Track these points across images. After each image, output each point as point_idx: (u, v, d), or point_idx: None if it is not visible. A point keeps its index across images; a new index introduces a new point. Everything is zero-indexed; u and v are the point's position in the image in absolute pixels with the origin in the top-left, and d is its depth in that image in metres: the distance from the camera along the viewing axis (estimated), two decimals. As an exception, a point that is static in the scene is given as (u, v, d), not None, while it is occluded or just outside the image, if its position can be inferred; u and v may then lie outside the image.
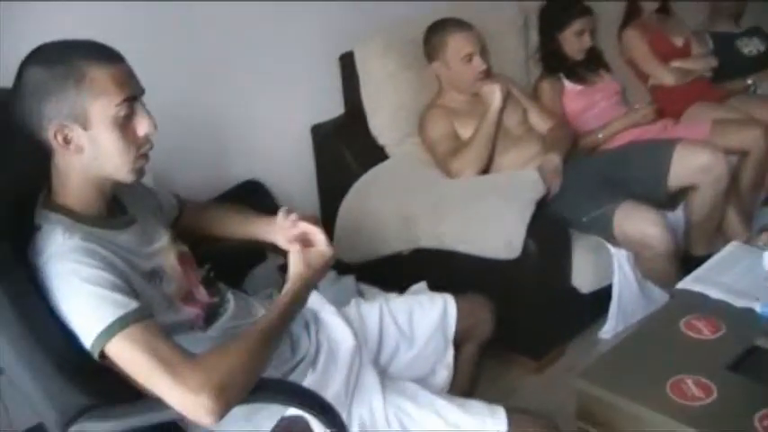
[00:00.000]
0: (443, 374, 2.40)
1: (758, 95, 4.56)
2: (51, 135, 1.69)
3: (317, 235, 1.98)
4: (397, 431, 1.99)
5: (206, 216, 2.31)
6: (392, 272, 3.19)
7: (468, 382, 2.56)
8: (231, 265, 2.39)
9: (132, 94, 1.74)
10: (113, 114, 1.70)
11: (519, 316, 3.15)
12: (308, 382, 2.03)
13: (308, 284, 1.92)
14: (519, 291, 3.10)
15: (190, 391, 1.58)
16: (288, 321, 1.87)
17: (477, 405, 2.06)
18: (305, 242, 1.97)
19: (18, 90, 1.69)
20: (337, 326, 2.21)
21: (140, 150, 1.78)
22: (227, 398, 1.60)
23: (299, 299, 1.89)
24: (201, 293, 1.99)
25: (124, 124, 1.73)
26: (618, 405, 2.15)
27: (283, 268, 2.01)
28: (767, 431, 1.94)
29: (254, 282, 2.68)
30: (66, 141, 1.71)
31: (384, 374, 2.23)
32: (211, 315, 1.98)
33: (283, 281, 1.96)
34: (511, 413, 2.02)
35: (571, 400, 2.29)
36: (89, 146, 1.72)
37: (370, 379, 2.10)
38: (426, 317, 2.40)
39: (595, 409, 2.22)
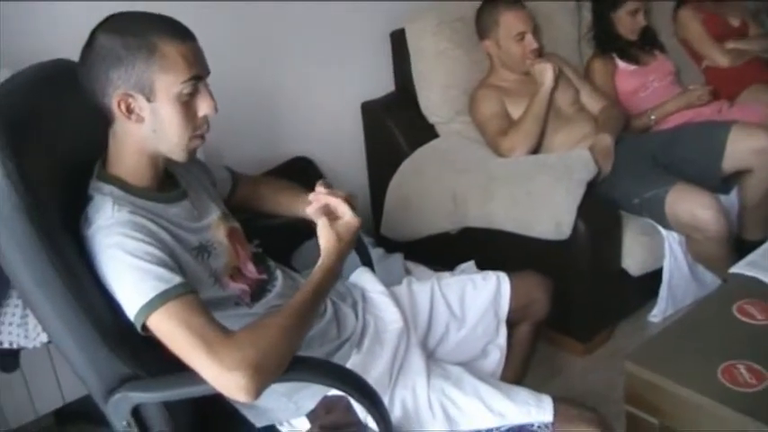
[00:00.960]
0: (495, 355, 2.38)
1: (816, 78, 4.49)
2: (115, 103, 1.71)
3: (341, 206, 1.95)
4: (440, 416, 1.98)
5: (259, 191, 2.32)
6: (440, 251, 3.18)
7: (522, 364, 2.54)
8: (280, 240, 2.39)
9: (199, 74, 1.75)
10: (178, 91, 1.71)
11: (567, 298, 3.13)
12: (353, 362, 2.03)
13: (340, 256, 1.89)
14: (568, 272, 3.08)
15: (224, 368, 1.58)
16: (323, 296, 1.86)
17: (523, 393, 2.04)
18: (331, 215, 1.95)
19: (88, 55, 1.71)
20: (386, 306, 2.20)
21: (197, 131, 1.80)
22: (262, 376, 1.60)
23: (332, 272, 1.87)
24: (250, 270, 2.00)
25: (187, 102, 1.75)
26: (667, 389, 2.12)
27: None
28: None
29: (302, 258, 2.68)
30: (129, 110, 1.72)
31: (431, 357, 2.22)
32: (259, 292, 1.98)
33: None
34: (558, 404, 2.00)
35: (618, 383, 2.27)
36: (150, 117, 1.73)
37: (417, 362, 2.08)
38: (479, 296, 2.37)
39: (644, 392, 2.20)
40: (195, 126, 1.79)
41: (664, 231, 3.21)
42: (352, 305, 2.20)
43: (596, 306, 3.21)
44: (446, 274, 2.46)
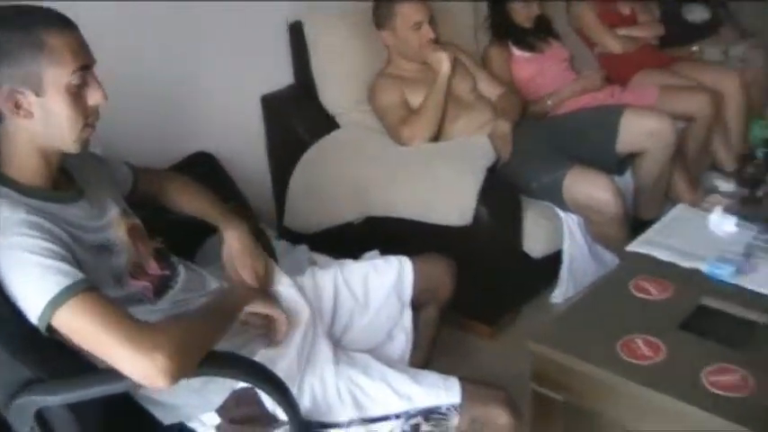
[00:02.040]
0: (401, 339, 2.40)
1: (704, 62, 4.63)
2: (2, 99, 1.68)
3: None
4: (349, 403, 1.99)
5: (163, 187, 2.29)
6: (344, 241, 3.18)
7: (429, 346, 2.57)
8: (185, 236, 2.37)
9: (86, 63, 1.74)
10: (67, 82, 1.69)
11: (472, 282, 3.16)
12: (261, 354, 2.02)
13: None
14: (471, 257, 3.11)
15: (143, 352, 1.57)
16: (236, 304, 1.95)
17: (430, 376, 2.07)
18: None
19: None
20: (293, 298, 2.20)
21: (87, 120, 1.78)
22: (182, 360, 1.60)
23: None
24: (152, 266, 1.98)
25: (76, 93, 1.73)
26: (571, 366, 2.18)
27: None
28: (714, 386, 1.98)
29: (206, 253, 2.66)
30: (17, 106, 1.69)
31: (338, 345, 2.23)
32: (162, 288, 1.96)
33: None
34: (465, 384, 2.03)
35: (526, 363, 2.31)
36: (39, 112, 1.71)
37: (324, 350, 2.09)
38: (381, 281, 2.39)
39: (549, 370, 2.25)
40: (86, 116, 1.76)
41: (562, 214, 3.28)
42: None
43: (501, 289, 3.26)
44: (349, 262, 2.47)
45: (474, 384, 2.06)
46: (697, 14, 4.82)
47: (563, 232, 3.29)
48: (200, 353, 1.68)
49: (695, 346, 2.18)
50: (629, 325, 2.25)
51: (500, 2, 4.00)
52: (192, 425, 1.96)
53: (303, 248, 2.77)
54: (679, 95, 3.96)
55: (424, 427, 1.96)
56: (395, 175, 3.17)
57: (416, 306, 2.46)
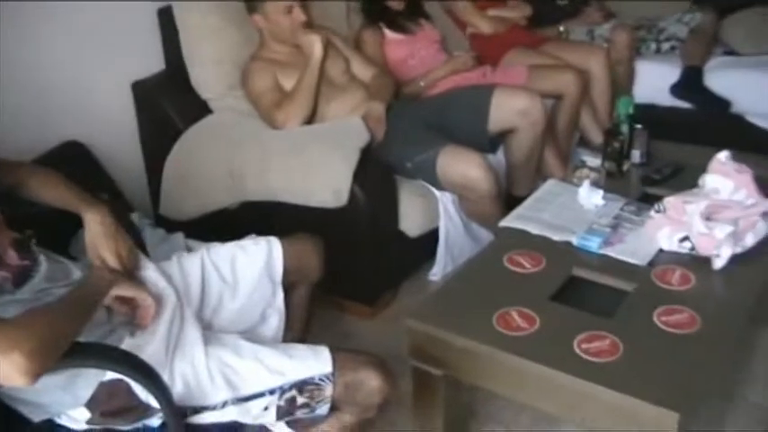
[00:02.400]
0: (275, 319, 2.39)
1: (570, 41, 4.74)
2: None
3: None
4: (221, 384, 1.97)
5: (24, 181, 2.22)
6: (221, 227, 3.14)
7: (302, 325, 2.58)
8: (57, 227, 2.32)
9: None
10: None
11: (350, 263, 3.20)
12: (127, 343, 1.97)
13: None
14: (348, 238, 3.14)
15: (0, 352, 1.53)
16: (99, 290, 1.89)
17: (300, 348, 2.08)
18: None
19: None
20: (157, 283, 2.15)
21: None
22: (40, 357, 1.56)
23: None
24: (11, 256, 1.92)
25: None
26: (448, 340, 2.22)
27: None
28: (586, 353, 2.05)
29: (79, 244, 2.61)
30: None
31: (209, 328, 2.21)
32: (21, 278, 1.91)
33: None
34: (335, 352, 2.04)
35: (404, 341, 2.34)
36: None
37: (192, 334, 2.06)
38: (250, 262, 2.38)
39: (427, 346, 2.29)
40: None
41: (437, 192, 3.32)
42: None
43: (378, 269, 3.28)
44: (216, 244, 2.44)
45: (344, 352, 2.08)
46: (564, -5, 4.93)
47: (438, 211, 3.33)
48: (62, 347, 1.65)
49: (567, 315, 2.24)
50: (503, 298, 2.31)
51: (370, -17, 4.02)
52: (60, 421, 1.93)
53: (179, 236, 2.74)
54: (547, 74, 4.05)
55: (300, 399, 1.97)
56: (269, 158, 3.15)
57: (288, 287, 2.45)
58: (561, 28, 4.82)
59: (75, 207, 2.12)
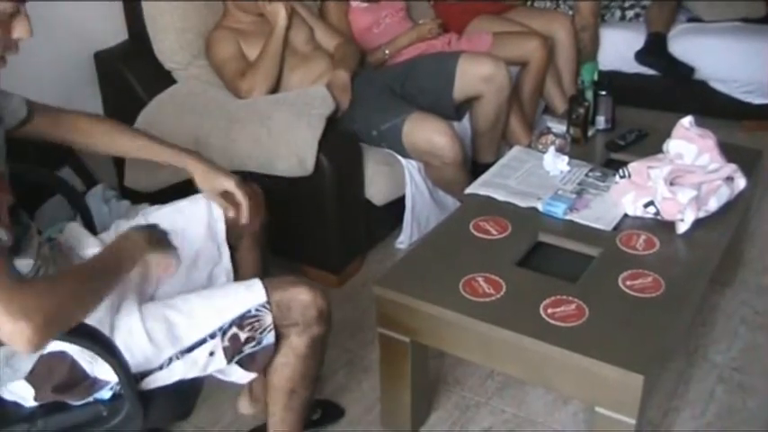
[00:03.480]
0: (222, 280, 2.34)
1: (535, 8, 4.75)
2: None
3: None
4: (163, 342, 1.92)
5: (81, 127, 2.26)
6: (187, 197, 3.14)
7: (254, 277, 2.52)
8: (23, 197, 2.29)
9: None
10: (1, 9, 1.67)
11: (316, 231, 3.20)
12: None
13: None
14: (314, 207, 3.14)
15: (9, 316, 1.49)
16: (125, 260, 1.85)
17: (231, 286, 2.09)
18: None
19: None
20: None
21: (5, 52, 1.76)
22: (48, 332, 1.54)
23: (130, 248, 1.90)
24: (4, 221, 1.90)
25: (4, 22, 1.71)
26: (415, 307, 2.23)
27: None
28: (551, 317, 2.07)
29: (45, 216, 2.60)
30: None
31: (153, 299, 2.15)
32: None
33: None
34: (267, 281, 2.02)
35: (372, 309, 2.36)
36: None
37: (129, 304, 1.99)
38: (192, 224, 2.30)
39: (394, 313, 2.30)
40: (6, 47, 1.74)
41: (403, 161, 3.32)
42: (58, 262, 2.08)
43: (345, 237, 3.28)
44: (153, 208, 2.38)
45: (272, 278, 2.06)
46: (529, -37, 4.92)
47: (404, 179, 3.34)
48: (74, 321, 1.63)
49: (533, 281, 2.26)
50: (470, 265, 2.32)
51: (334, -48, 3.98)
52: (10, 398, 1.89)
53: (144, 207, 2.72)
54: (512, 41, 4.05)
55: (242, 334, 1.95)
56: (234, 128, 3.13)
57: (233, 243, 2.39)
58: (526, -6, 4.82)
59: (169, 157, 2.26)
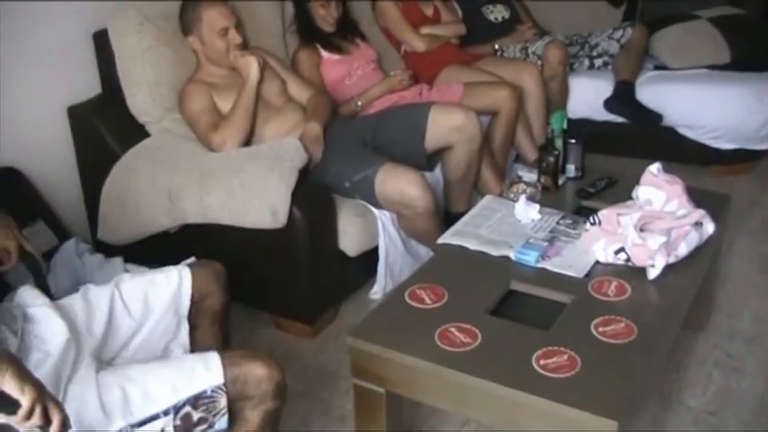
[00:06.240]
0: (179, 353, 2.32)
1: (504, 58, 4.80)
2: None
3: None
4: (116, 415, 1.91)
5: None
6: (161, 250, 3.13)
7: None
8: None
9: None
10: None
11: (290, 282, 3.20)
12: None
13: None
14: (288, 258, 3.14)
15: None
16: None
17: (190, 359, 2.07)
18: None
19: None
20: (48, 321, 2.07)
21: None
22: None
23: None
24: None
25: None
26: (390, 358, 2.24)
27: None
28: (543, 369, 2.08)
29: (20, 272, 2.58)
30: None
31: (112, 364, 2.15)
32: None
33: None
34: (223, 356, 2.02)
35: (346, 360, 2.36)
36: None
37: (86, 371, 2.00)
38: (160, 296, 2.29)
39: (368, 363, 2.30)
40: None
41: (376, 211, 3.33)
42: (10, 324, 2.07)
43: (319, 288, 3.27)
44: (126, 277, 2.34)
45: (228, 352, 2.07)
46: (497, 14, 4.98)
47: (378, 229, 3.35)
48: None
49: (507, 330, 2.28)
50: (443, 315, 2.33)
51: (302, 5, 4.02)
52: None
53: (118, 261, 2.72)
54: (483, 91, 4.10)
55: (195, 414, 1.95)
56: (207, 181, 3.13)
57: (192, 324, 2.38)
58: (495, 45, 4.87)
59: None
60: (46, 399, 1.64)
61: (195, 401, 1.95)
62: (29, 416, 1.60)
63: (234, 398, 2.00)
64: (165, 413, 1.93)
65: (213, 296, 2.41)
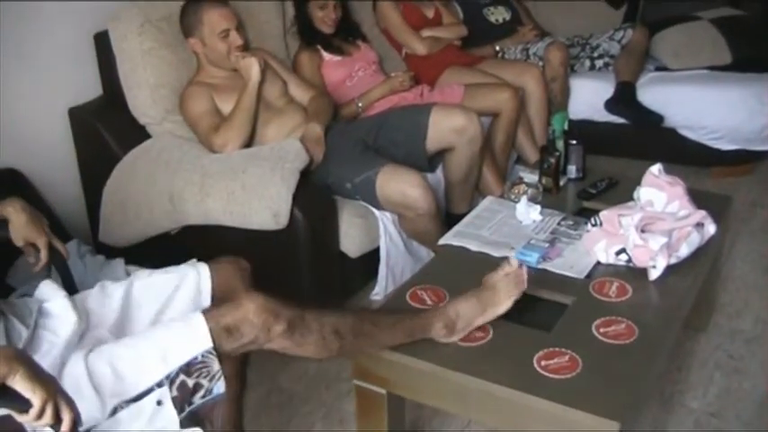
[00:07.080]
0: None
1: (506, 60, 4.81)
2: None
3: None
4: (108, 393, 1.87)
5: None
6: (162, 251, 3.11)
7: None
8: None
9: None
10: None
11: (291, 284, 3.19)
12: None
13: None
14: (289, 260, 3.14)
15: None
16: None
17: (174, 327, 2.01)
18: None
19: None
20: (63, 315, 2.07)
21: None
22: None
23: None
24: None
25: None
26: (392, 359, 2.23)
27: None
28: (544, 370, 2.08)
29: (18, 274, 2.58)
30: None
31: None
32: None
33: None
34: (206, 315, 1.97)
35: (348, 362, 2.35)
36: None
37: (75, 360, 1.94)
38: (180, 299, 2.27)
39: (370, 365, 2.30)
40: None
41: (377, 212, 3.34)
42: (22, 317, 2.05)
43: (320, 290, 3.26)
44: (144, 274, 2.33)
45: (213, 309, 2.03)
46: (498, 15, 4.99)
47: (379, 231, 3.35)
48: None
49: (509, 331, 2.27)
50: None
51: (302, 6, 4.03)
52: None
53: (119, 262, 2.72)
54: (484, 92, 4.11)
55: (190, 381, 1.91)
56: (208, 182, 3.13)
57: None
58: (497, 47, 4.88)
59: None
60: (57, 397, 1.64)
61: (188, 368, 1.91)
62: (40, 415, 1.60)
63: (239, 348, 1.98)
64: (159, 385, 1.89)
65: (236, 294, 2.30)
